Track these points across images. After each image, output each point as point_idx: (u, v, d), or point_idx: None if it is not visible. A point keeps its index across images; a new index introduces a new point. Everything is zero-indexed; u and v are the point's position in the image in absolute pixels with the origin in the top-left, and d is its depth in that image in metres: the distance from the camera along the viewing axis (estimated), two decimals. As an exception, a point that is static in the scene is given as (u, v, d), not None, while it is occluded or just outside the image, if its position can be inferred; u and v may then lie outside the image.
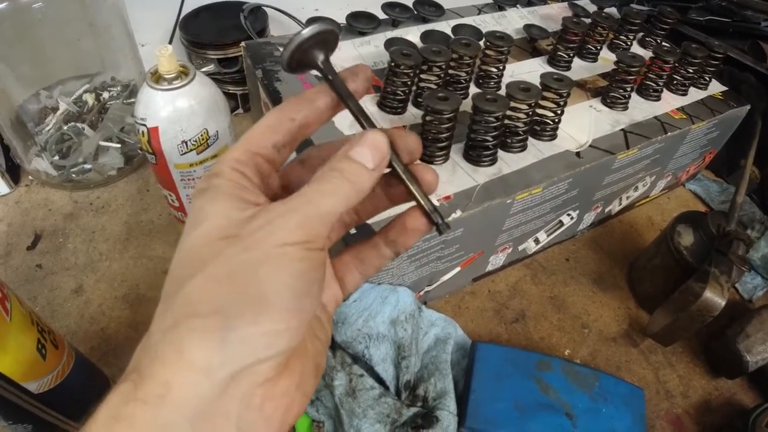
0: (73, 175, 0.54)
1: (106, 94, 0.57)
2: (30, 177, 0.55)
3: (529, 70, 0.55)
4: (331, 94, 0.19)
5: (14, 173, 0.55)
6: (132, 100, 0.56)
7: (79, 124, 0.54)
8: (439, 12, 0.58)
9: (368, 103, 0.47)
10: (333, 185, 0.17)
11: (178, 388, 0.14)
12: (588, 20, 0.57)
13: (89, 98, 0.56)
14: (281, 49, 0.51)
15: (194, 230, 0.16)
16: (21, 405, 0.29)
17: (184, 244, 0.16)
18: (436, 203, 0.20)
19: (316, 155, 0.21)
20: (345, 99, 0.19)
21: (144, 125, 0.39)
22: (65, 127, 0.54)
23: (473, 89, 0.50)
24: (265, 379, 0.15)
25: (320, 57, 0.19)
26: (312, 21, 0.53)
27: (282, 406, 0.16)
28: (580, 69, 0.57)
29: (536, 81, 0.44)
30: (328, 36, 0.19)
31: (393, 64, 0.44)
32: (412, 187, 0.19)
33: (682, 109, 0.54)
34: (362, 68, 0.20)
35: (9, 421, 0.29)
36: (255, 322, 0.14)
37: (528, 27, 0.59)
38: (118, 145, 0.55)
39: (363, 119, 0.19)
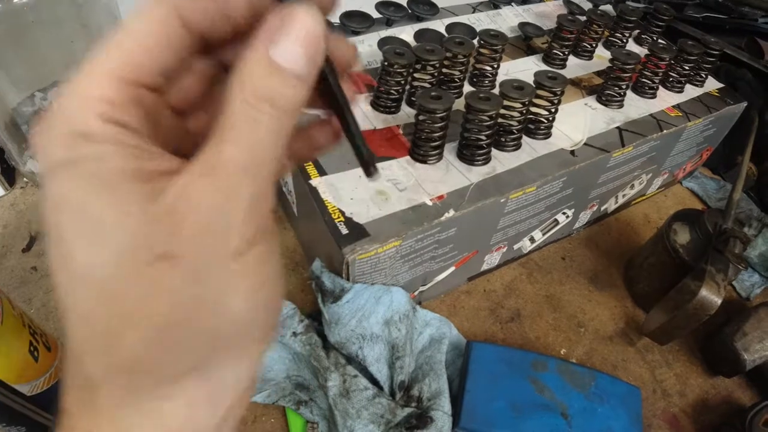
0: (68, 177, 0.54)
1: (100, 96, 0.57)
2: (25, 179, 0.55)
3: (524, 68, 0.55)
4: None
5: (9, 175, 0.55)
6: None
7: (73, 126, 0.54)
8: (434, 10, 0.58)
9: (362, 103, 0.47)
10: (267, 130, 0.11)
11: None
12: (583, 18, 0.57)
13: (84, 100, 0.56)
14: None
15: (100, 247, 0.11)
16: (13, 407, 0.29)
17: (92, 270, 0.11)
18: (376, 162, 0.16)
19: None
20: None
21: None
22: (60, 129, 0.54)
23: (467, 88, 0.50)
24: (244, 396, 0.13)
25: None
26: None
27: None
28: (575, 67, 0.56)
29: (531, 79, 0.43)
30: None
31: (386, 63, 0.44)
32: (349, 128, 0.14)
33: (678, 106, 0.54)
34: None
35: (2, 423, 0.29)
36: (238, 364, 0.12)
37: (523, 25, 0.59)
38: (113, 147, 0.55)
39: None
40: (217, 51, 0.13)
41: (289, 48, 0.11)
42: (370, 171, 0.15)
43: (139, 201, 0.11)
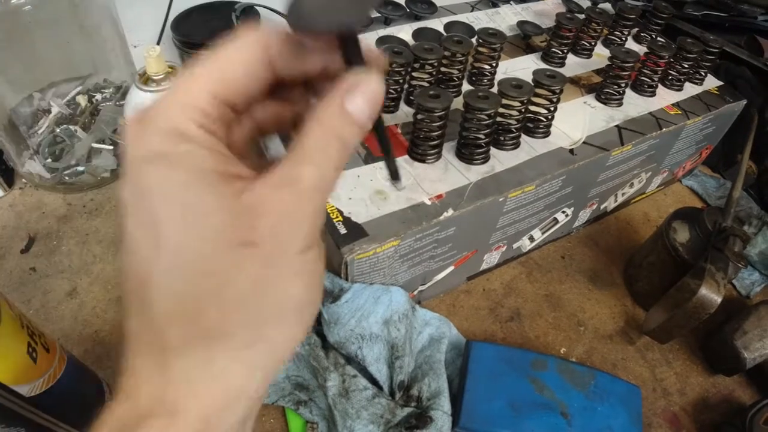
0: (66, 178, 0.54)
1: (98, 96, 0.57)
2: (23, 180, 0.55)
3: (523, 67, 0.54)
4: (331, 57, 0.15)
5: (7, 176, 0.55)
6: (124, 101, 0.56)
7: (71, 127, 0.54)
8: (432, 9, 0.58)
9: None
10: (336, 159, 0.14)
11: (217, 419, 0.14)
12: (582, 16, 0.56)
13: (82, 100, 0.56)
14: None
15: (191, 231, 0.13)
16: (12, 408, 0.29)
17: (181, 249, 0.13)
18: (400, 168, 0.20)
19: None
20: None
21: (134, 127, 0.39)
22: (58, 130, 0.54)
23: (466, 87, 0.50)
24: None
25: (358, 25, 0.15)
26: None
27: None
28: (574, 65, 0.56)
29: (530, 78, 0.43)
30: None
31: (384, 62, 0.44)
32: (389, 148, 0.18)
33: (677, 104, 0.53)
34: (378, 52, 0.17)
35: (1, 425, 0.29)
36: (292, 339, 0.15)
37: (521, 23, 0.59)
38: (111, 147, 0.55)
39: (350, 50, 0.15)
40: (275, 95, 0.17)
41: (360, 103, 0.15)
42: (395, 179, 0.19)
43: (228, 197, 0.13)
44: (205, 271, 0.13)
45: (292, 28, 0.14)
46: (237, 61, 0.14)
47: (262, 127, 0.17)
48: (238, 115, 0.15)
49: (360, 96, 0.14)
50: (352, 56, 0.15)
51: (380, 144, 0.18)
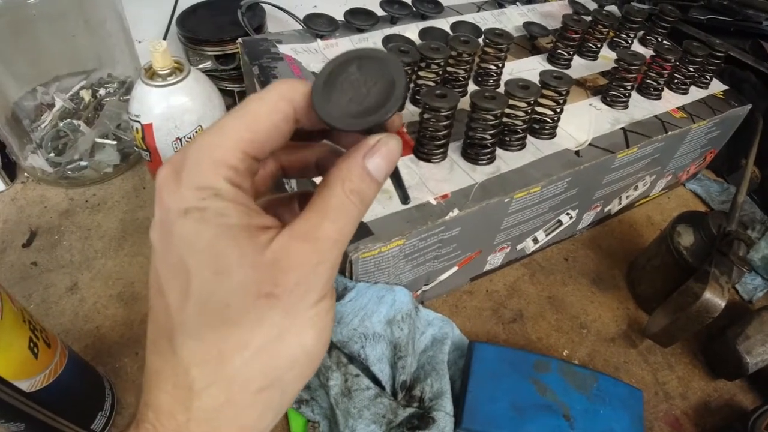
0: (69, 172, 0.54)
1: (102, 91, 0.57)
2: (26, 174, 0.55)
3: (529, 68, 0.54)
4: None
5: (10, 170, 0.54)
6: (128, 96, 0.56)
7: (75, 121, 0.54)
8: (438, 9, 0.58)
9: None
10: (354, 215, 0.16)
11: None
12: (588, 18, 0.56)
13: (85, 95, 0.56)
14: (278, 46, 0.51)
15: (219, 282, 0.14)
16: (13, 403, 0.28)
17: (210, 298, 0.14)
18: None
19: (271, 155, 0.19)
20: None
21: (138, 122, 0.39)
22: (61, 124, 0.54)
23: (472, 87, 0.50)
24: None
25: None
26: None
27: None
28: (580, 67, 0.56)
29: (536, 79, 0.43)
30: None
31: (391, 61, 0.43)
32: (399, 183, 0.19)
33: (682, 108, 0.53)
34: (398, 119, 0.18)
35: (1, 420, 0.29)
36: (302, 382, 0.16)
37: (528, 24, 0.59)
38: (114, 142, 0.55)
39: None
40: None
41: (379, 162, 0.16)
42: (407, 199, 0.20)
43: (252, 251, 0.14)
44: (230, 321, 0.15)
45: (323, 122, 0.16)
46: (265, 118, 0.15)
47: (286, 170, 0.19)
48: (262, 163, 0.16)
49: (379, 156, 0.16)
50: (374, 131, 0.16)
51: (392, 180, 0.19)
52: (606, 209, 0.56)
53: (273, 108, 0.15)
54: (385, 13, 0.55)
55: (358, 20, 0.53)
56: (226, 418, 0.15)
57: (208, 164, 0.15)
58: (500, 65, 0.50)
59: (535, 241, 0.51)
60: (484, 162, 0.42)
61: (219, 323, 0.15)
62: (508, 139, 0.44)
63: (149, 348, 0.16)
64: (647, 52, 0.58)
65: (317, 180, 0.18)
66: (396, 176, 0.19)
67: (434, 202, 0.38)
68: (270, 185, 0.19)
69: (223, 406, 0.15)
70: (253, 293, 0.14)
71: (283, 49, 0.50)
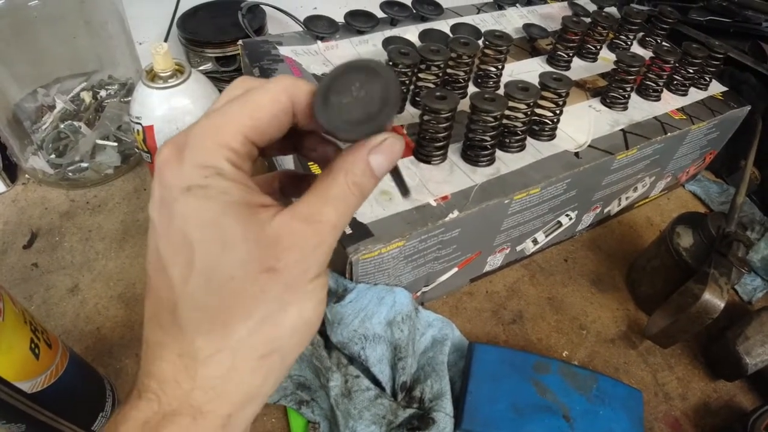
0: (70, 174, 0.54)
1: (103, 93, 0.57)
2: (27, 175, 0.55)
3: (529, 69, 0.54)
4: None
5: (11, 171, 0.55)
6: (129, 98, 0.56)
7: (75, 123, 0.54)
8: (438, 11, 0.58)
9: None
10: (353, 205, 0.17)
11: (236, 417, 0.16)
12: (588, 20, 0.56)
13: (86, 96, 0.56)
14: (279, 47, 0.51)
15: (224, 255, 0.15)
16: (14, 404, 0.29)
17: (214, 271, 0.15)
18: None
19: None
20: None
21: (139, 124, 0.39)
22: (62, 126, 0.54)
23: (472, 89, 0.50)
24: None
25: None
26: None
27: None
28: (579, 69, 0.56)
29: (535, 81, 0.43)
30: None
31: (391, 63, 0.44)
32: (399, 177, 0.20)
33: (682, 109, 0.53)
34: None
35: (2, 421, 0.29)
36: (299, 349, 0.17)
37: (527, 26, 0.59)
38: (115, 144, 0.55)
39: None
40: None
41: (382, 160, 0.17)
42: (407, 192, 0.21)
43: (254, 227, 0.15)
44: (235, 293, 0.15)
45: (325, 129, 0.17)
46: (267, 108, 0.16)
47: (265, 150, 0.19)
48: (260, 149, 0.17)
49: (382, 154, 0.17)
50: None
51: (392, 176, 0.20)
52: (605, 210, 0.56)
53: (275, 98, 0.16)
54: (385, 15, 0.55)
55: (358, 22, 0.53)
56: (231, 385, 0.16)
57: (210, 145, 0.15)
58: (500, 67, 0.50)
59: (535, 242, 0.51)
60: (484, 163, 0.42)
61: (224, 294, 0.15)
62: (507, 140, 0.44)
63: (148, 323, 0.17)
64: (647, 54, 0.58)
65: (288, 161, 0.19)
66: (396, 172, 0.20)
67: (434, 204, 0.39)
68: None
69: (229, 373, 0.15)
70: (257, 267, 0.15)
71: (284, 50, 0.50)
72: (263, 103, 0.16)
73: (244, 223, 0.15)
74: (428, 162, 0.42)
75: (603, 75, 0.56)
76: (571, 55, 0.56)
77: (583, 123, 0.48)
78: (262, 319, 0.16)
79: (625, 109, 0.51)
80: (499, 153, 0.43)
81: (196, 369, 0.15)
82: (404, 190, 0.21)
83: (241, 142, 0.15)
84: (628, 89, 0.51)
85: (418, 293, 0.45)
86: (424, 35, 0.54)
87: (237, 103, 0.16)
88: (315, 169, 0.40)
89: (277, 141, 0.18)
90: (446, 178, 0.41)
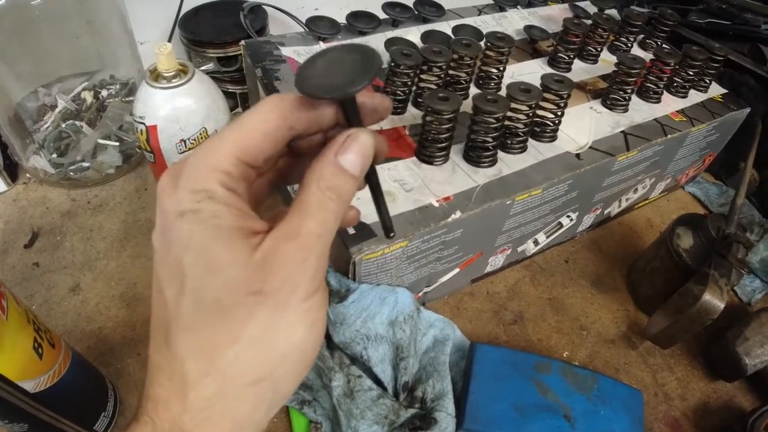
0: (71, 173, 0.54)
1: (104, 92, 0.57)
2: (28, 175, 0.55)
3: (530, 71, 0.55)
4: (338, 114, 0.18)
5: (12, 171, 0.54)
6: (131, 98, 0.56)
7: (77, 122, 0.54)
8: (440, 12, 0.58)
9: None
10: (333, 211, 0.16)
11: None
12: (589, 22, 0.57)
13: (88, 96, 0.56)
14: (281, 48, 0.51)
15: (210, 279, 0.15)
16: (17, 404, 0.29)
17: (202, 295, 0.15)
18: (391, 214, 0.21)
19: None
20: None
21: (142, 123, 0.39)
22: (63, 125, 0.54)
23: (473, 90, 0.50)
24: None
25: (359, 98, 0.17)
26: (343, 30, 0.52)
27: None
28: (580, 70, 0.57)
29: (537, 82, 0.43)
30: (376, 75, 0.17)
31: (393, 64, 0.44)
32: (379, 200, 0.19)
33: (682, 111, 0.54)
34: (383, 102, 0.19)
35: (5, 421, 0.29)
36: (295, 379, 0.17)
37: (528, 28, 0.59)
38: (117, 144, 0.55)
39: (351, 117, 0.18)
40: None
41: (350, 157, 0.16)
42: (389, 234, 0.20)
43: (244, 251, 0.15)
44: (222, 316, 0.15)
45: (300, 93, 0.17)
46: (258, 128, 0.16)
47: (286, 177, 0.20)
48: (259, 171, 0.17)
49: (350, 152, 0.16)
50: (350, 117, 0.17)
51: (373, 196, 0.19)
52: (606, 212, 0.56)
53: (264, 118, 0.16)
54: (387, 16, 0.55)
55: (360, 23, 0.54)
56: (219, 410, 0.15)
57: (203, 169, 0.16)
58: (501, 68, 0.50)
59: (536, 243, 0.51)
60: (486, 164, 0.42)
61: (211, 317, 0.15)
62: (509, 142, 0.44)
63: (150, 344, 0.17)
64: (647, 56, 0.58)
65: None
66: (378, 203, 0.19)
67: (436, 205, 0.39)
68: (267, 191, 0.20)
69: (216, 397, 0.15)
70: (243, 290, 0.15)
71: (286, 51, 0.50)
72: (253, 124, 0.16)
73: (232, 247, 0.15)
74: (430, 163, 0.42)
75: (604, 77, 0.56)
76: (571, 56, 0.56)
77: (584, 125, 0.49)
78: (250, 342, 0.15)
79: (626, 110, 0.52)
80: (500, 154, 0.44)
81: (186, 392, 0.15)
82: (386, 229, 0.20)
83: (234, 163, 0.16)
84: (629, 91, 0.51)
85: (420, 293, 0.45)
86: (425, 36, 0.54)
87: (229, 128, 0.16)
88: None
89: (285, 169, 0.19)
90: (448, 178, 0.41)
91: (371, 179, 0.19)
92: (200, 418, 0.15)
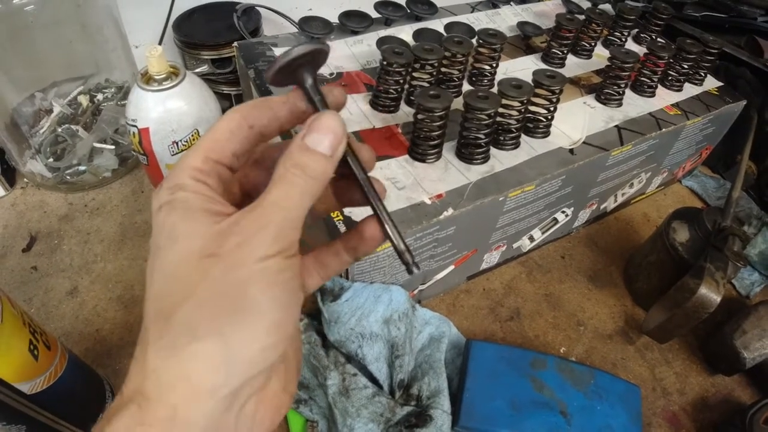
0: (68, 177, 0.54)
1: (100, 96, 0.57)
2: (25, 179, 0.56)
3: (523, 67, 0.55)
4: (294, 107, 0.19)
5: (9, 176, 0.55)
6: (126, 101, 0.56)
7: (73, 126, 0.54)
8: (432, 10, 0.58)
9: (360, 102, 0.47)
10: (298, 185, 0.17)
11: (185, 410, 0.15)
12: (582, 17, 0.57)
13: (83, 100, 0.56)
14: (273, 50, 0.51)
15: (171, 249, 0.16)
16: (14, 406, 0.29)
17: (164, 265, 0.16)
18: (408, 243, 0.20)
19: (269, 155, 0.21)
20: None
21: (135, 126, 0.39)
22: (59, 129, 0.54)
23: (466, 87, 0.50)
24: (259, 388, 0.17)
25: (308, 79, 0.19)
26: (304, 24, 0.53)
27: (272, 408, 0.17)
28: (574, 66, 0.56)
29: (529, 78, 0.43)
30: (318, 56, 0.19)
31: (385, 62, 0.44)
32: (387, 227, 0.19)
33: (676, 105, 0.54)
34: (337, 90, 0.20)
35: (2, 422, 0.29)
36: (252, 339, 0.16)
37: (522, 24, 0.59)
38: (113, 147, 0.55)
39: (316, 102, 0.19)
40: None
41: (316, 136, 0.17)
42: (410, 271, 0.19)
43: (205, 225, 0.16)
44: (177, 278, 0.16)
45: (268, 83, 0.19)
46: (221, 128, 0.18)
47: (340, 200, 0.22)
48: (233, 170, 0.19)
49: (314, 131, 0.17)
50: (312, 102, 0.19)
51: (378, 221, 0.19)
52: (602, 207, 0.56)
53: (227, 118, 0.18)
54: (379, 15, 0.55)
55: (352, 22, 0.54)
56: (172, 371, 0.15)
57: (178, 170, 0.17)
58: (494, 65, 0.50)
59: (531, 239, 0.51)
60: (479, 161, 0.42)
61: (170, 284, 0.16)
62: (502, 138, 0.44)
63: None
64: (641, 50, 0.58)
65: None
66: (395, 246, 0.19)
67: (429, 202, 0.39)
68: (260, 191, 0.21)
69: (169, 359, 0.15)
70: (197, 255, 0.16)
71: (279, 52, 0.51)
72: (218, 126, 0.18)
73: (196, 224, 0.16)
74: (423, 160, 0.42)
75: (597, 72, 0.56)
76: (565, 52, 0.56)
77: (577, 120, 0.49)
78: (201, 301, 0.15)
79: (620, 105, 0.52)
80: (493, 151, 0.44)
81: (147, 357, 0.16)
82: (407, 265, 0.19)
83: (202, 160, 0.17)
84: (623, 85, 0.51)
85: (415, 291, 0.45)
86: (418, 34, 0.54)
87: (203, 135, 0.19)
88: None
89: (338, 192, 0.21)
90: (441, 176, 0.41)
91: (372, 202, 0.19)
92: (157, 381, 0.15)
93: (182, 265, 0.16)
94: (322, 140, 0.17)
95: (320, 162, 0.17)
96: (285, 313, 0.16)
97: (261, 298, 0.16)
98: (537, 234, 0.51)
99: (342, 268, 0.22)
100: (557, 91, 0.44)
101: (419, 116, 0.40)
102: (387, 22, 0.56)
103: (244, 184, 0.21)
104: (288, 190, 0.17)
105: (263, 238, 0.16)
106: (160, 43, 0.62)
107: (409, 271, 0.19)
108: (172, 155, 0.40)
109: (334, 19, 0.54)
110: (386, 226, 0.19)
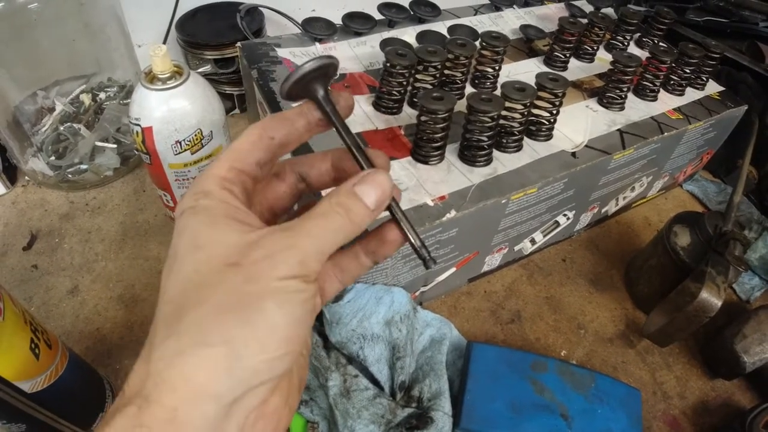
0: (70, 176, 0.54)
1: (102, 95, 0.57)
2: (26, 177, 0.55)
3: (526, 70, 0.55)
4: (309, 117, 0.20)
5: (11, 174, 0.55)
6: (128, 100, 0.56)
7: (75, 125, 0.54)
8: (436, 12, 0.58)
9: (363, 104, 0.47)
10: (336, 223, 0.17)
11: (185, 413, 0.15)
12: (585, 20, 0.57)
13: (86, 99, 0.56)
14: (276, 50, 0.51)
15: (194, 255, 0.16)
16: (14, 404, 0.29)
17: (182, 269, 0.16)
18: (423, 240, 0.21)
19: (289, 169, 0.22)
20: (343, 134, 0.20)
21: (138, 125, 0.39)
22: (61, 128, 0.54)
23: (469, 89, 0.50)
24: (262, 400, 0.17)
25: (320, 91, 0.20)
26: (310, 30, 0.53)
27: (273, 422, 0.18)
28: (576, 69, 0.57)
29: (532, 81, 0.43)
30: (328, 69, 0.20)
31: (388, 64, 0.44)
32: (404, 226, 0.20)
33: (678, 109, 0.54)
34: (344, 96, 0.21)
35: (2, 421, 0.29)
36: (261, 350, 0.16)
37: (524, 27, 0.59)
38: (115, 146, 0.55)
39: (359, 155, 0.20)
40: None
41: (366, 188, 0.18)
42: (427, 266, 0.20)
43: (231, 234, 0.17)
44: (194, 283, 0.16)
45: (283, 98, 0.20)
46: (245, 141, 0.19)
47: (311, 184, 0.22)
48: (256, 180, 0.20)
49: (365, 183, 0.18)
50: (325, 112, 0.20)
51: (398, 228, 0.20)
52: (603, 210, 0.56)
53: (248, 132, 0.19)
54: (382, 17, 0.55)
55: (356, 24, 0.54)
56: (175, 372, 0.15)
57: (203, 177, 0.18)
58: (497, 68, 0.50)
59: (533, 242, 0.51)
60: (481, 164, 0.42)
61: (186, 285, 0.16)
62: (504, 140, 0.44)
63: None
64: (643, 54, 0.58)
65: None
66: (407, 236, 0.20)
67: (431, 204, 0.39)
68: (290, 200, 0.22)
69: (173, 360, 0.15)
70: (219, 262, 0.16)
71: (282, 52, 0.51)
72: (240, 138, 0.19)
73: (219, 232, 0.17)
74: (426, 162, 0.42)
75: (600, 75, 0.56)
76: (568, 55, 0.56)
77: (580, 123, 0.49)
78: (216, 307, 0.15)
79: (622, 109, 0.52)
80: (496, 153, 0.44)
81: (151, 358, 0.15)
82: (425, 261, 0.20)
83: (227, 168, 0.18)
84: (625, 89, 0.51)
85: (417, 293, 0.45)
86: (421, 37, 0.54)
87: (226, 148, 0.20)
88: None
89: (310, 167, 0.22)
90: (443, 178, 0.41)
91: (395, 216, 0.20)
92: (158, 382, 0.15)
93: (201, 270, 0.16)
94: (370, 193, 0.18)
95: (362, 210, 0.18)
96: (296, 329, 0.16)
97: (275, 311, 0.16)
98: (538, 237, 0.51)
99: (362, 272, 0.22)
100: (560, 95, 0.44)
101: (422, 118, 0.40)
102: (390, 24, 0.56)
103: (264, 196, 0.21)
104: (326, 223, 0.17)
105: (288, 259, 0.16)
106: (163, 43, 0.62)
107: (427, 266, 0.20)
108: (175, 155, 0.40)
109: (337, 20, 0.54)
110: (402, 224, 0.20)
